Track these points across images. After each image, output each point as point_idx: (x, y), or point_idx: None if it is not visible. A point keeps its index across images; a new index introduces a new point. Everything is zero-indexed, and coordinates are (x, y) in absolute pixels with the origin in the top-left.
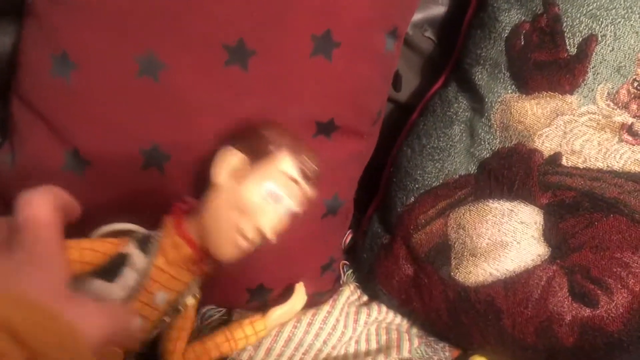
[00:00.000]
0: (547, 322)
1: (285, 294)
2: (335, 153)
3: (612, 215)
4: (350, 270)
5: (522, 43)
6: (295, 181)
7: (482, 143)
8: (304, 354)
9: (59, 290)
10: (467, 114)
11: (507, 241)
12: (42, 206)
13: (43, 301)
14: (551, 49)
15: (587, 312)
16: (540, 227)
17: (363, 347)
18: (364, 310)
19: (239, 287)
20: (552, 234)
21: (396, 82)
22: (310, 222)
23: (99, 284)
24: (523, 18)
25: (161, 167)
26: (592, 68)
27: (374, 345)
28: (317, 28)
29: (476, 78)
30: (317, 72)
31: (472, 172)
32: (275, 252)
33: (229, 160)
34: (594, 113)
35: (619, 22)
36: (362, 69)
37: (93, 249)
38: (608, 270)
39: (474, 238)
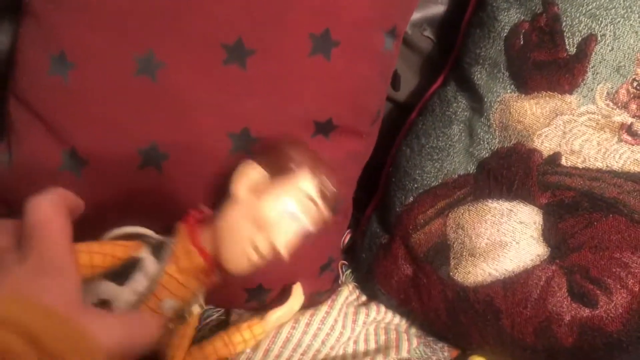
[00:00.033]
0: (546, 322)
1: (283, 293)
2: (333, 153)
3: (611, 215)
4: (349, 270)
5: (522, 42)
6: (314, 201)
7: (481, 143)
8: (302, 354)
9: (73, 298)
10: (466, 113)
11: (506, 241)
12: (52, 211)
13: (59, 307)
14: (550, 49)
15: (586, 312)
16: (540, 227)
17: (362, 347)
18: (363, 310)
19: (237, 287)
20: (552, 234)
21: (395, 81)
22: None
23: (109, 286)
24: (522, 17)
25: (159, 167)
26: (592, 68)
27: (372, 346)
28: (316, 27)
29: (475, 77)
30: (315, 71)
31: (471, 171)
32: None
33: (250, 174)
34: (594, 113)
35: (619, 21)
36: (361, 68)
37: (103, 252)
38: (607, 270)
39: (473, 238)
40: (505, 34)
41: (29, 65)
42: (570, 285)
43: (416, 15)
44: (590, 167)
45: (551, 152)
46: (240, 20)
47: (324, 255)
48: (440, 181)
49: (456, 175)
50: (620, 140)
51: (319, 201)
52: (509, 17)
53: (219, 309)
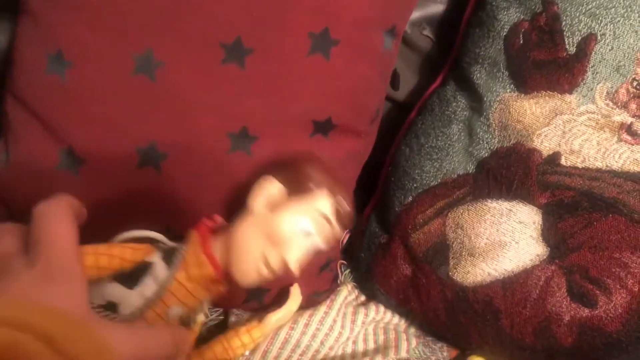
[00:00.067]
0: (545, 323)
1: (282, 294)
2: (332, 152)
3: (611, 215)
4: (348, 270)
5: (521, 42)
6: (329, 220)
7: (481, 142)
8: (300, 355)
9: (82, 304)
10: (465, 113)
11: (505, 241)
12: (60, 216)
13: (71, 312)
14: (550, 48)
15: (585, 312)
16: (539, 227)
17: (361, 347)
18: (362, 310)
19: (236, 287)
20: (551, 233)
21: (394, 80)
22: None
23: (118, 289)
24: (522, 17)
25: (158, 166)
26: (591, 67)
27: (371, 346)
28: (315, 26)
29: (475, 77)
30: (314, 70)
31: (470, 171)
32: None
33: (268, 189)
34: (593, 112)
35: (619, 21)
36: (360, 67)
37: (109, 254)
38: (607, 270)
39: (472, 238)
40: (504, 33)
41: (26, 63)
42: (569, 285)
43: (415, 15)
44: (590, 166)
45: (551, 152)
46: (239, 19)
47: (322, 255)
48: (439, 181)
49: (455, 175)
50: (620, 140)
51: (334, 221)
52: (509, 17)
53: (217, 309)
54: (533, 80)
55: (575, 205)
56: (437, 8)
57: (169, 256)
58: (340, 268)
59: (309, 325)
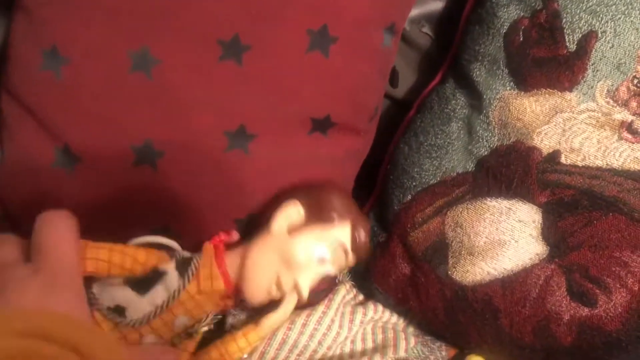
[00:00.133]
0: (544, 322)
1: None
2: (331, 150)
3: (611, 214)
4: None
5: (521, 39)
6: (346, 251)
7: (480, 140)
8: (298, 355)
9: (87, 315)
10: (465, 111)
11: (505, 240)
12: (63, 227)
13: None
14: (550, 45)
15: (585, 311)
16: (539, 226)
17: (359, 346)
18: (360, 309)
19: None
20: (551, 232)
21: (393, 78)
22: None
23: (129, 294)
24: (522, 14)
25: (154, 164)
26: (592, 65)
27: (370, 345)
28: (314, 23)
29: (474, 75)
30: (313, 67)
31: (469, 169)
32: None
33: (290, 213)
34: (594, 110)
35: (619, 18)
36: (359, 65)
37: (124, 252)
38: (607, 269)
39: (472, 236)
40: (504, 31)
41: (20, 60)
42: (569, 284)
43: (414, 12)
44: (590, 165)
45: (551, 150)
46: (237, 16)
47: None
48: (438, 179)
49: (455, 173)
50: (620, 138)
51: (350, 252)
52: (509, 14)
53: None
54: (533, 78)
55: (575, 204)
56: (436, 5)
57: (182, 266)
58: None
59: (306, 325)
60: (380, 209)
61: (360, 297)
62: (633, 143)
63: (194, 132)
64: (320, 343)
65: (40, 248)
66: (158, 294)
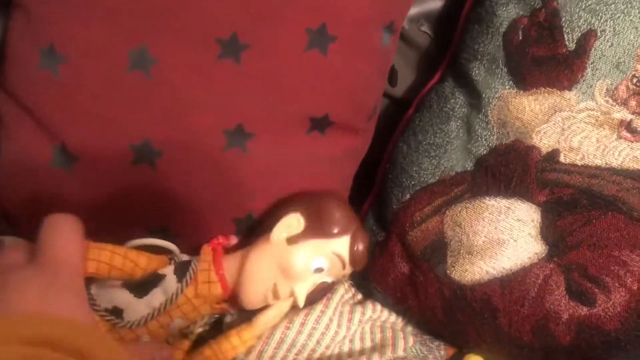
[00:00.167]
0: (543, 321)
1: None
2: (329, 149)
3: (610, 213)
4: None
5: (520, 38)
6: (343, 263)
7: (479, 139)
8: (297, 354)
9: (89, 318)
10: (464, 109)
11: (503, 239)
12: (68, 231)
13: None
14: (549, 44)
15: (584, 310)
16: (538, 225)
17: (357, 346)
18: (359, 308)
19: None
20: (550, 231)
21: (392, 77)
22: None
23: (127, 296)
24: (521, 13)
25: (152, 163)
26: (591, 64)
27: (368, 344)
28: (313, 22)
29: (473, 73)
30: (311, 66)
31: (468, 168)
32: None
33: (291, 223)
34: (593, 109)
35: (619, 17)
36: (358, 63)
37: (125, 256)
38: (606, 268)
39: (470, 236)
40: (503, 30)
41: (18, 58)
42: (568, 283)
43: (413, 10)
44: (589, 164)
45: (550, 149)
46: (235, 14)
47: None
48: (437, 178)
49: (453, 172)
50: (619, 137)
51: (348, 263)
52: (508, 12)
53: None
54: (532, 77)
55: (574, 203)
56: (435, 4)
57: (180, 270)
58: None
59: (305, 324)
60: (379, 208)
61: (359, 296)
62: (632, 142)
63: (192, 131)
64: (318, 342)
65: (45, 249)
66: (156, 297)
